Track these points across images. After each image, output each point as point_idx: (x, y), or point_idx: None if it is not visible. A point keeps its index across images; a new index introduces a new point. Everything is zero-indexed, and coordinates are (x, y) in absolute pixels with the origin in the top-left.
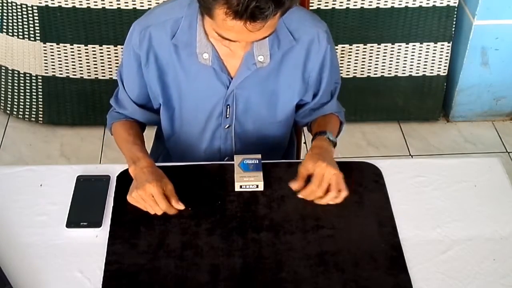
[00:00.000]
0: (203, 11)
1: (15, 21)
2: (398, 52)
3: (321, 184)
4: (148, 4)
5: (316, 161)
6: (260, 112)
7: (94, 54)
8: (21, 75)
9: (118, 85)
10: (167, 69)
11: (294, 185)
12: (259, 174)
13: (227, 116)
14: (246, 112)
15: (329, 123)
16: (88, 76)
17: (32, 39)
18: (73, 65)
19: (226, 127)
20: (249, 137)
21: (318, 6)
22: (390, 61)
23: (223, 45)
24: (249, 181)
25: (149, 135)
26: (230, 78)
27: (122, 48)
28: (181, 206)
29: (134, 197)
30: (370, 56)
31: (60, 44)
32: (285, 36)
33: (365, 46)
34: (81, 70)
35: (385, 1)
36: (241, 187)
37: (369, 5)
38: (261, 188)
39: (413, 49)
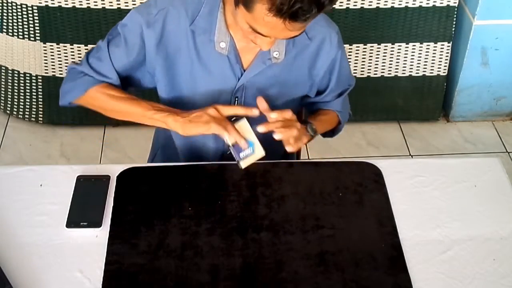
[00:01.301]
0: (240, 2)
1: (15, 21)
2: (398, 52)
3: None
4: None
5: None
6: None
7: None
8: (21, 75)
9: (95, 51)
10: (179, 54)
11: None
12: (253, 145)
13: None
14: (253, 105)
15: (323, 117)
16: None
17: (32, 39)
18: None
19: (232, 119)
20: (253, 130)
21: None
22: (390, 61)
23: (248, 39)
24: (249, 155)
25: (149, 135)
26: (243, 71)
27: None
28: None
29: (200, 120)
30: (370, 56)
31: (60, 44)
32: (301, 34)
33: (365, 46)
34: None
35: (385, 1)
36: (229, 147)
37: (369, 5)
38: (262, 152)
39: (413, 49)
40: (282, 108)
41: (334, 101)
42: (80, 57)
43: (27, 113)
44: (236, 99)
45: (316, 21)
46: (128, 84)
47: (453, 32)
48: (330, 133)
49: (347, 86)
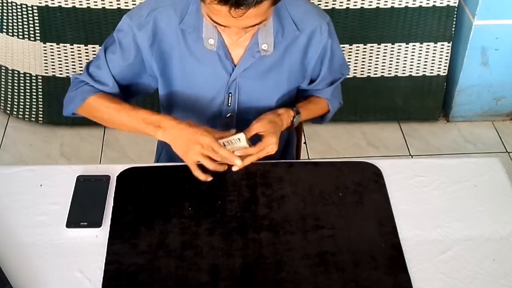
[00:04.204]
0: None
1: (15, 21)
2: (398, 52)
3: (260, 151)
4: None
5: (273, 131)
6: (261, 101)
7: (94, 54)
8: (21, 75)
9: (94, 60)
10: (172, 53)
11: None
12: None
13: (229, 104)
14: (248, 101)
15: (313, 105)
16: None
17: (32, 39)
18: (73, 65)
19: (227, 115)
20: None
21: (318, 6)
22: (390, 61)
23: (222, 32)
24: (231, 137)
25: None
26: (234, 66)
27: None
28: (231, 131)
29: (193, 156)
30: (370, 56)
31: (60, 44)
32: (289, 25)
33: (365, 46)
34: (81, 70)
35: (385, 1)
36: (224, 144)
37: (369, 5)
38: (243, 141)
39: (413, 49)
40: (279, 104)
41: (324, 90)
42: (80, 57)
43: (27, 113)
44: (230, 94)
45: (306, 13)
46: (135, 92)
47: (453, 32)
48: (319, 119)
49: (340, 75)
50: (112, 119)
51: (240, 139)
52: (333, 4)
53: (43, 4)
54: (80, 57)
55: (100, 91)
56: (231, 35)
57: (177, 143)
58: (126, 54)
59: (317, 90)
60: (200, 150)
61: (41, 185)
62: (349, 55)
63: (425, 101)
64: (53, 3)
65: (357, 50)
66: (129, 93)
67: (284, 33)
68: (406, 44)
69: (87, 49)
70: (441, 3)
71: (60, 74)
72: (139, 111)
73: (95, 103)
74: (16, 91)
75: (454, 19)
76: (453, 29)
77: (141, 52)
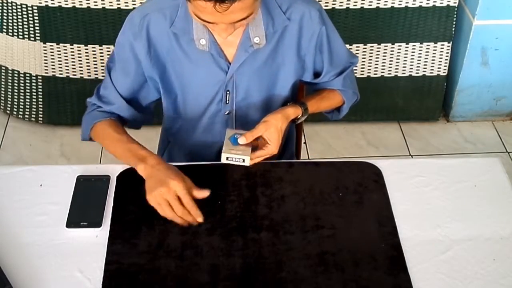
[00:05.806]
0: None
1: (15, 21)
2: (398, 52)
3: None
4: None
5: (277, 143)
6: (260, 97)
7: (94, 54)
8: (21, 75)
9: (103, 81)
10: (167, 57)
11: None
12: (247, 149)
13: (227, 102)
14: (246, 97)
15: (323, 94)
16: (88, 76)
17: (32, 39)
18: (73, 65)
19: (226, 113)
20: (249, 123)
21: None
22: (390, 61)
23: (212, 30)
24: (236, 153)
25: (149, 136)
26: (229, 64)
27: None
28: (205, 193)
29: (156, 196)
30: (370, 56)
31: (60, 44)
32: (279, 15)
33: (365, 46)
34: (81, 70)
35: (385, 1)
36: (227, 159)
37: (369, 5)
38: (247, 163)
39: (413, 49)
40: (278, 97)
41: (334, 80)
42: (80, 57)
43: (27, 113)
44: (228, 92)
45: (293, 0)
46: (146, 106)
47: (453, 32)
48: (337, 113)
49: (348, 64)
50: (109, 147)
51: (244, 160)
52: (333, 4)
53: (43, 4)
54: (80, 57)
55: (109, 114)
56: (220, 33)
57: (149, 180)
58: (127, 68)
59: (326, 83)
60: (164, 194)
61: (41, 185)
62: None
63: (425, 101)
64: (53, 3)
65: (357, 50)
66: (140, 107)
67: (275, 24)
68: (406, 44)
69: (87, 49)
70: (441, 3)
71: (60, 74)
72: (131, 144)
73: (100, 130)
74: (16, 91)
75: (454, 19)
76: (453, 29)
77: (140, 62)
